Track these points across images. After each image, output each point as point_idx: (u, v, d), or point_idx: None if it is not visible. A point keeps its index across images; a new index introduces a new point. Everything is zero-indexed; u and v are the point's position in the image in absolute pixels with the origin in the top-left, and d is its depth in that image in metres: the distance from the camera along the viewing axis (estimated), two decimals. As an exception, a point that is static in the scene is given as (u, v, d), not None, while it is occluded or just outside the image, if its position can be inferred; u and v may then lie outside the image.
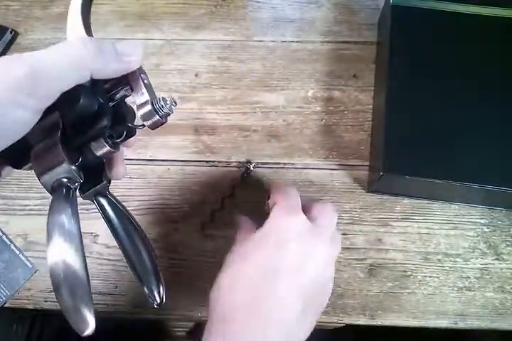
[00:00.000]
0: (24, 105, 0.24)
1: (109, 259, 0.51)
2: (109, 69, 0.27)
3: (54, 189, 0.27)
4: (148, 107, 0.28)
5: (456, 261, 0.50)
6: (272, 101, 0.58)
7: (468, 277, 0.49)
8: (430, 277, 0.49)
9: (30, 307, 0.50)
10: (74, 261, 0.24)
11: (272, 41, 0.61)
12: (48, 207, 0.26)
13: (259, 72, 0.60)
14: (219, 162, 0.55)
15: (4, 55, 0.62)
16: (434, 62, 0.50)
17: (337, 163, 0.54)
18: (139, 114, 0.29)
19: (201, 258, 0.51)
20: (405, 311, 0.48)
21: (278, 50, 0.61)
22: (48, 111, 0.26)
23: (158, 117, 0.28)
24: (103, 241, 0.52)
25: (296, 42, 0.61)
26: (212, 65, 0.60)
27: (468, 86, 0.49)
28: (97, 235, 0.52)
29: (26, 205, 0.54)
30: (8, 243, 0.52)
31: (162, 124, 0.30)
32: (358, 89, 0.58)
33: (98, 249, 0.52)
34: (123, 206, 0.34)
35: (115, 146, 0.30)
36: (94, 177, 0.31)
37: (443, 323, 0.48)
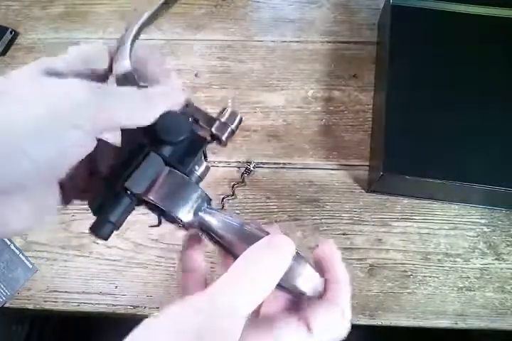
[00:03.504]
0: (81, 127, 0.21)
1: (109, 259, 0.51)
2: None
3: (196, 213, 0.26)
4: (217, 122, 0.27)
5: (456, 261, 0.50)
6: (272, 101, 0.58)
7: (468, 277, 0.49)
8: (430, 277, 0.49)
9: (30, 307, 0.50)
10: None
11: (271, 41, 0.61)
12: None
13: (259, 72, 0.59)
14: (219, 162, 0.55)
15: (4, 55, 0.62)
16: (434, 62, 0.50)
17: (337, 163, 0.54)
18: (213, 130, 0.27)
19: (201, 258, 0.51)
20: (405, 311, 0.48)
21: (278, 50, 0.61)
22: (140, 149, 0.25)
23: (231, 127, 0.27)
24: (103, 241, 0.52)
25: (296, 42, 0.61)
26: (212, 65, 0.60)
27: (468, 86, 0.49)
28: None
29: (26, 205, 0.54)
30: (8, 243, 0.52)
31: (234, 134, 0.28)
32: (358, 89, 0.58)
33: (98, 249, 0.52)
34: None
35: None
36: None
37: (443, 323, 0.48)
